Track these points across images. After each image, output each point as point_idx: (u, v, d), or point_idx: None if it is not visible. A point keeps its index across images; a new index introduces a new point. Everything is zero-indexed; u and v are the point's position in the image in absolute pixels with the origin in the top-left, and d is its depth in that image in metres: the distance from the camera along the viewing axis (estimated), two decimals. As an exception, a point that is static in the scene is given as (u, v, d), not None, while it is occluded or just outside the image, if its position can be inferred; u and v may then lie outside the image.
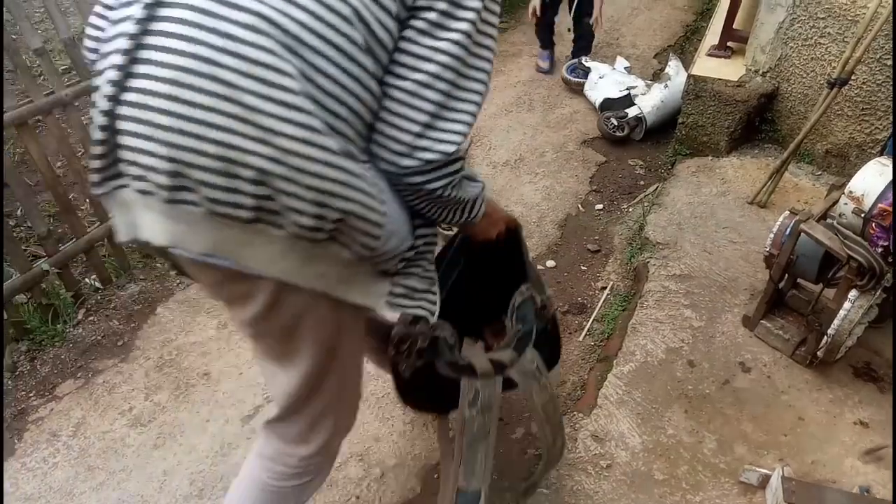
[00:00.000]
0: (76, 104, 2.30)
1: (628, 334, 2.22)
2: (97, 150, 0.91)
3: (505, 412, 2.06)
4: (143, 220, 0.95)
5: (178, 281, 2.58)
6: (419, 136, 0.94)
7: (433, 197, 1.03)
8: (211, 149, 0.84)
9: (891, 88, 2.60)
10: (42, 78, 3.36)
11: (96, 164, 0.93)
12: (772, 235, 2.05)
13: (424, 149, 0.95)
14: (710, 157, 3.15)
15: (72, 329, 2.35)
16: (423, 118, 0.94)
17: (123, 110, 0.88)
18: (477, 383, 1.32)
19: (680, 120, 3.25)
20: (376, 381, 2.16)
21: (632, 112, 3.54)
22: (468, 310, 1.49)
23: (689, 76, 3.15)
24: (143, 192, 0.91)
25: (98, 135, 0.90)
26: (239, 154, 0.85)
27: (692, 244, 2.57)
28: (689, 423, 1.91)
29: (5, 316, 2.18)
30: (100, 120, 0.89)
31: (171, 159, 0.86)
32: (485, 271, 1.57)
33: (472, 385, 1.32)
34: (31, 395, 2.12)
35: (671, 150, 3.35)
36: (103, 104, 0.88)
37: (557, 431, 1.49)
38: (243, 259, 0.94)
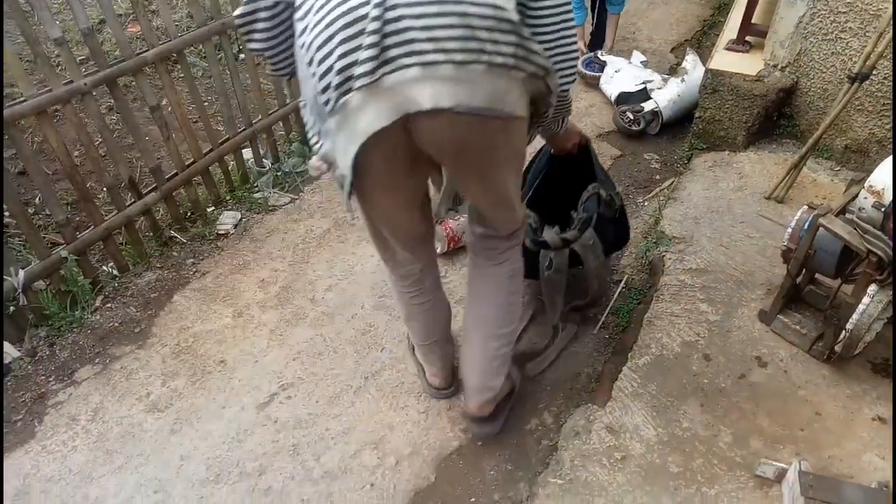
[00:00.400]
0: (94, 93, 2.31)
1: (643, 327, 2.21)
2: (370, 39, 1.08)
3: (519, 403, 2.06)
4: (422, 92, 1.13)
5: (194, 269, 2.60)
6: (556, 46, 1.30)
7: (562, 97, 1.51)
8: (489, 11, 1.10)
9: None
10: (60, 68, 3.38)
11: (368, 53, 1.08)
12: (790, 230, 2.03)
13: (562, 53, 1.32)
14: (726, 152, 3.13)
15: (90, 315, 2.37)
16: (557, 34, 1.30)
17: None
18: (551, 253, 2.07)
19: (697, 114, 3.23)
20: (390, 371, 2.17)
21: (648, 106, 3.52)
22: (552, 203, 2.18)
23: (707, 70, 3.13)
24: (432, 63, 1.10)
25: (371, 25, 1.07)
26: (501, 12, 1.12)
27: (708, 238, 2.55)
28: (704, 416, 1.90)
29: (25, 301, 2.21)
30: (374, 12, 1.07)
31: (464, 26, 1.09)
32: (565, 175, 2.15)
33: (548, 255, 2.08)
34: (50, 379, 2.14)
35: (687, 145, 3.32)
36: (377, 5, 1.07)
37: (602, 284, 2.20)
38: (506, 105, 1.21)
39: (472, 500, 1.80)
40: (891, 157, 1.85)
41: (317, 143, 1.29)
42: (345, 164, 1.23)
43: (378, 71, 1.09)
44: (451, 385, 2.07)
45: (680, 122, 3.55)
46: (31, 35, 2.03)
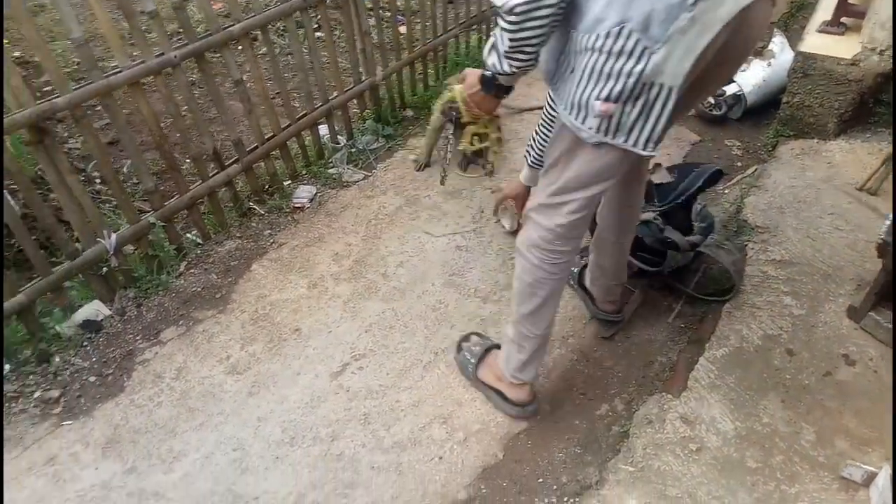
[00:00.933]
0: (182, 66, 2.38)
1: (722, 318, 2.15)
2: None
3: (590, 388, 2.04)
4: None
5: (271, 240, 2.67)
6: None
7: None
8: None
9: None
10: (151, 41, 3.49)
11: None
12: (888, 223, 1.92)
13: None
14: (815, 140, 2.98)
15: (174, 280, 2.47)
16: None
17: None
18: (678, 255, 2.22)
19: (784, 99, 3.09)
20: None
21: (730, 90, 3.39)
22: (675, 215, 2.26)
23: (798, 53, 2.98)
24: None
25: None
26: None
27: (794, 229, 2.45)
28: (786, 412, 1.84)
29: (115, 263, 2.32)
30: None
31: None
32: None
33: (675, 255, 2.23)
34: (138, 338, 2.25)
35: (772, 132, 3.18)
36: None
37: (738, 272, 2.29)
38: None
39: (540, 480, 1.80)
40: None
41: (636, 63, 1.27)
42: (683, 66, 1.27)
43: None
44: (535, 399, 1.96)
45: (764, 108, 3.40)
46: (127, 8, 2.11)
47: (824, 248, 2.35)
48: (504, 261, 2.54)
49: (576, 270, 2.31)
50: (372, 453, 1.87)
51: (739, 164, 3.10)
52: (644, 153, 1.39)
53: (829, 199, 2.58)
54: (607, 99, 1.32)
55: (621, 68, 1.28)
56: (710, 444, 1.78)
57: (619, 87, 1.30)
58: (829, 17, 3.13)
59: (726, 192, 2.89)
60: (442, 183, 2.89)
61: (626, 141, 1.38)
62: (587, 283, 2.24)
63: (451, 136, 2.85)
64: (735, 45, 1.36)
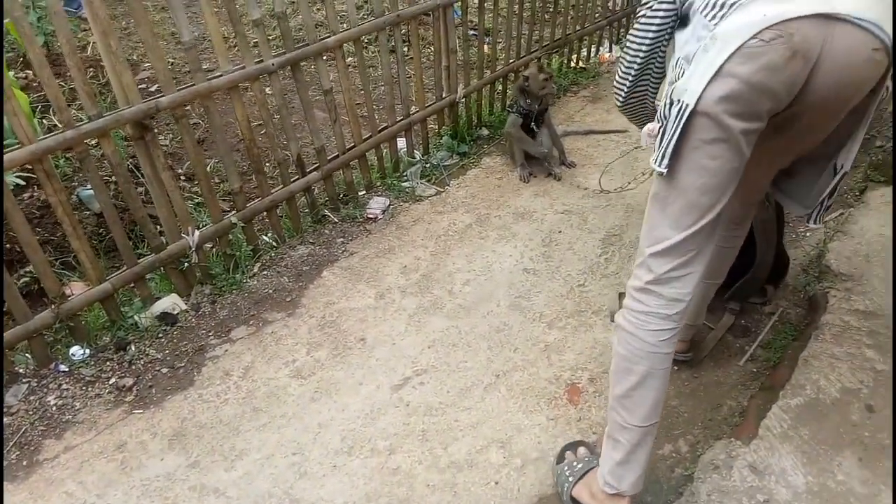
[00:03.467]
0: (279, 73, 2.47)
1: (798, 366, 2.05)
2: None
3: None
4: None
5: (342, 249, 2.73)
6: None
7: None
8: None
9: None
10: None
11: None
12: None
13: None
14: (909, 188, 2.84)
15: (248, 280, 2.55)
16: None
17: None
18: None
19: (878, 143, 2.96)
20: (521, 373, 2.16)
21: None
22: None
23: (896, 96, 2.85)
24: None
25: None
26: None
27: (881, 280, 2.33)
28: (863, 472, 1.74)
29: (196, 259, 2.41)
30: None
31: None
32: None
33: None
34: (209, 334, 2.33)
35: (861, 175, 3.05)
36: None
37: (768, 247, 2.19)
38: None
39: (596, 516, 1.76)
40: None
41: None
42: (701, 83, 1.27)
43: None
44: None
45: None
46: (235, 15, 2.21)
47: (914, 302, 2.23)
48: (572, 287, 2.52)
49: None
50: (428, 471, 1.87)
51: (823, 206, 2.98)
52: (657, 169, 1.32)
53: (922, 251, 2.45)
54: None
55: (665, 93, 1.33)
56: (780, 498, 1.70)
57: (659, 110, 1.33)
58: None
59: (808, 234, 2.79)
60: (526, 181, 3.18)
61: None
62: None
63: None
64: (821, 87, 1.22)
